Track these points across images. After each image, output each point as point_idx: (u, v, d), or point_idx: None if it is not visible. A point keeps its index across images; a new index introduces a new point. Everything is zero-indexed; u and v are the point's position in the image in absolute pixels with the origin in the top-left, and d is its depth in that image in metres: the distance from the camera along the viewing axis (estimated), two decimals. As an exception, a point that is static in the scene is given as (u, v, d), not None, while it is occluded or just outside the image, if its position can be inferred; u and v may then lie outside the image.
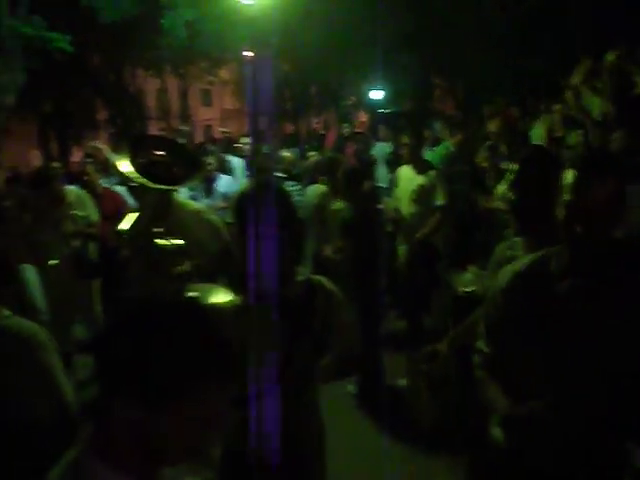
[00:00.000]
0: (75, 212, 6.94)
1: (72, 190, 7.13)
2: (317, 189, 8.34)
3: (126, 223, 6.65)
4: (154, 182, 4.64)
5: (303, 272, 2.92)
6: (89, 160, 9.73)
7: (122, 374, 1.39)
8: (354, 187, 7.14)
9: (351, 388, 6.89)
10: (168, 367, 1.36)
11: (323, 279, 2.95)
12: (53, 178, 6.99)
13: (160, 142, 5.37)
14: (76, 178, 8.18)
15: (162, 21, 14.19)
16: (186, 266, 3.76)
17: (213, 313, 1.50)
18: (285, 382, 2.70)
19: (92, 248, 7.15)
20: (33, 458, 2.91)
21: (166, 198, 4.87)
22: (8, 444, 2.91)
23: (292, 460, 2.80)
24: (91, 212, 7.08)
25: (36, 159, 26.12)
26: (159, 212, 4.70)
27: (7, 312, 3.11)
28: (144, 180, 4.69)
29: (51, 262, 6.91)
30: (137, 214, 6.56)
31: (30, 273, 7.90)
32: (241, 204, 2.81)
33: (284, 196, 2.88)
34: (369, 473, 5.31)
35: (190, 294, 3.48)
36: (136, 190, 6.42)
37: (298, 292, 2.79)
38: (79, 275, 6.99)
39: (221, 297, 3.30)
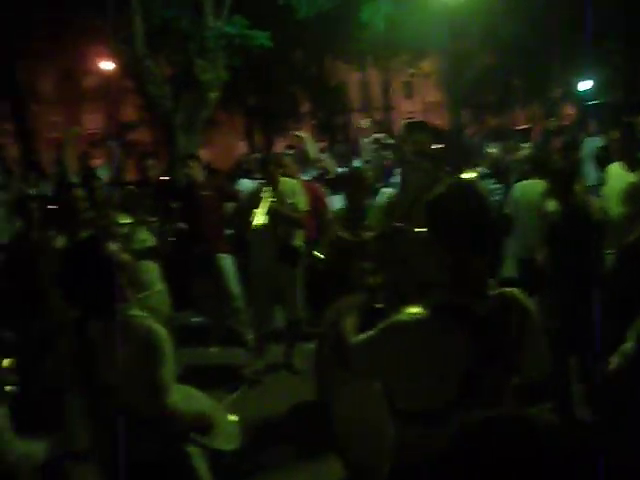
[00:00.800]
0: (283, 199, 7.17)
1: (285, 179, 7.33)
2: (530, 186, 7.86)
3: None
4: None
5: (493, 285, 2.66)
6: (290, 152, 9.99)
7: None
8: (565, 187, 6.79)
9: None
10: None
11: (518, 292, 2.65)
12: (269, 163, 7.39)
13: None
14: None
15: (361, 15, 14.24)
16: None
17: None
18: (470, 407, 2.47)
19: (298, 235, 7.34)
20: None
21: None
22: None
23: None
24: (299, 200, 7.25)
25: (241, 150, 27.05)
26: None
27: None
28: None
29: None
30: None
31: (226, 261, 8.27)
32: (434, 208, 2.62)
33: (478, 198, 2.60)
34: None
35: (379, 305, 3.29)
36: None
37: (490, 307, 2.52)
38: (282, 260, 7.21)
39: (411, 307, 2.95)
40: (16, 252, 7.21)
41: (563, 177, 6.98)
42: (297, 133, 10.30)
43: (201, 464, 3.37)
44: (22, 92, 20.88)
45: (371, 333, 2.62)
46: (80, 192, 5.80)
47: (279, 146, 29.26)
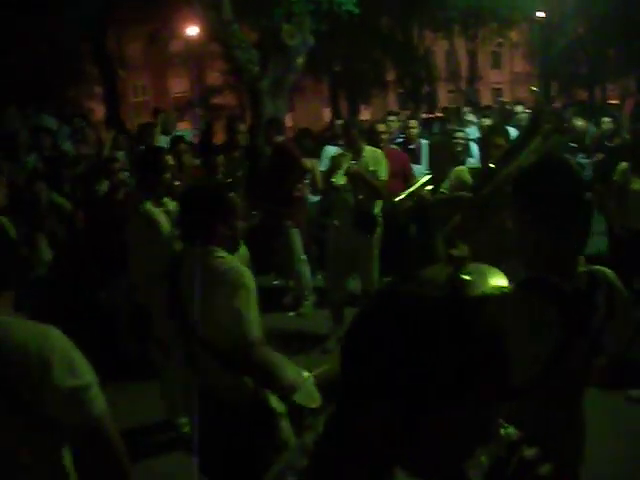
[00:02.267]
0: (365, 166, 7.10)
1: (368, 147, 7.27)
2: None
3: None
4: None
5: (582, 262, 2.55)
6: (391, 118, 9.91)
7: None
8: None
9: (635, 394, 5.92)
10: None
11: (607, 271, 2.59)
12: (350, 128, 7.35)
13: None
14: (366, 135, 8.36)
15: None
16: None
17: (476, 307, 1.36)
18: (554, 386, 2.47)
19: (376, 204, 7.24)
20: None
21: None
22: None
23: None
24: (381, 169, 7.16)
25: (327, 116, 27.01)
26: None
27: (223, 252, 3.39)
28: None
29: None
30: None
31: (292, 230, 8.36)
32: (526, 181, 2.54)
33: (572, 173, 2.51)
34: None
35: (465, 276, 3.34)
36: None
37: (578, 285, 2.45)
38: (359, 227, 7.15)
39: (495, 281, 3.09)
40: (102, 212, 7.33)
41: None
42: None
43: (281, 408, 3.39)
44: (110, 57, 21.21)
45: None
46: (169, 159, 5.81)
47: (364, 113, 29.22)
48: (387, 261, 7.63)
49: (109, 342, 6.83)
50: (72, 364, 2.16)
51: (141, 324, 5.45)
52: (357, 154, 7.12)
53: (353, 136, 7.23)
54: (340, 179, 6.93)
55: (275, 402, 3.38)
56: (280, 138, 8.77)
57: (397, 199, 7.40)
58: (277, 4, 11.61)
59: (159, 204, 5.49)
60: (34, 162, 9.30)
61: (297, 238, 8.49)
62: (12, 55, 17.82)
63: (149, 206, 5.43)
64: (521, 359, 2.37)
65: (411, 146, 9.29)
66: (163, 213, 5.45)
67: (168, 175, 5.62)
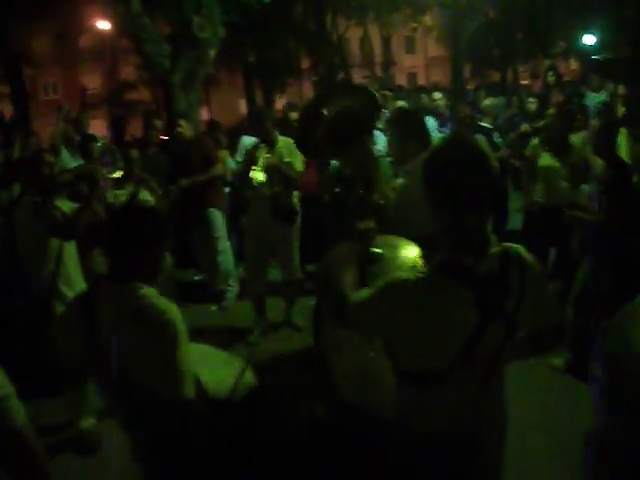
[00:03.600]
0: (280, 157, 7.09)
1: (282, 138, 7.23)
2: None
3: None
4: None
5: (495, 241, 2.50)
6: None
7: None
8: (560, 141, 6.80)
9: (558, 362, 6.08)
10: None
11: (519, 248, 2.58)
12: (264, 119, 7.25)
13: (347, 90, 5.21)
14: (279, 125, 8.30)
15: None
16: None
17: None
18: (471, 367, 2.47)
19: (294, 194, 7.26)
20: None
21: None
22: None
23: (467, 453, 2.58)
24: (296, 160, 7.14)
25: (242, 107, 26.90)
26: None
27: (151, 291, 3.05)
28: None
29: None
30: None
31: (214, 215, 8.27)
32: (432, 163, 2.48)
33: (476, 150, 2.45)
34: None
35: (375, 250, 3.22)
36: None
37: (491, 266, 2.43)
38: (278, 218, 7.13)
39: (407, 253, 3.04)
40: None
41: (556, 131, 7.02)
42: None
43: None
44: (15, 55, 20.57)
45: (372, 291, 2.52)
46: (50, 157, 5.82)
47: (280, 102, 29.13)
48: (305, 248, 7.64)
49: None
50: None
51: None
52: (271, 145, 7.10)
53: (266, 127, 7.16)
54: (258, 175, 6.92)
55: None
56: (189, 132, 8.62)
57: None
58: (186, -5, 11.44)
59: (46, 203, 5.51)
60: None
61: (220, 222, 8.40)
62: None
63: (27, 199, 5.56)
64: (437, 343, 2.40)
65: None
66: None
67: (47, 171, 5.62)
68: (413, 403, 2.60)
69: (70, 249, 5.68)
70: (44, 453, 2.30)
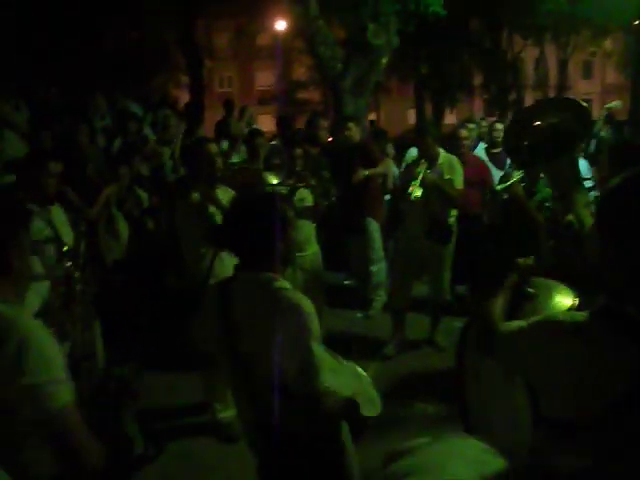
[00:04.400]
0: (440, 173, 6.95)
1: (444, 154, 7.11)
2: None
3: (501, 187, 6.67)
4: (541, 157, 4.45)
5: None
6: (470, 125, 9.71)
7: None
8: None
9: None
10: None
11: None
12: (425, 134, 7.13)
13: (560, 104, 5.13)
14: (447, 141, 8.21)
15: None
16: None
17: None
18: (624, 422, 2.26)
19: (452, 212, 7.09)
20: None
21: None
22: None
23: None
24: (457, 177, 6.99)
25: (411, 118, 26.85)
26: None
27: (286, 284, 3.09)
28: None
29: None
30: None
31: (372, 225, 8.28)
32: (610, 202, 2.29)
33: None
34: None
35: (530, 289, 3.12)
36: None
37: None
38: (432, 237, 7.00)
39: (561, 299, 2.92)
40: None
41: None
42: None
43: (347, 435, 3.26)
44: (197, 47, 21.49)
45: (523, 324, 2.41)
46: (214, 147, 5.88)
47: (449, 117, 28.94)
48: (458, 268, 7.52)
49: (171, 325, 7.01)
50: (44, 359, 2.31)
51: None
52: (432, 161, 6.95)
53: (427, 142, 7.04)
54: (417, 191, 6.74)
55: (345, 435, 3.22)
56: (358, 136, 8.66)
57: (497, 188, 7.16)
58: (364, 2, 11.57)
59: (208, 194, 5.57)
60: (119, 146, 9.45)
61: (377, 233, 8.40)
62: (105, 42, 18.24)
63: (195, 196, 5.56)
64: (584, 392, 2.20)
65: (495, 150, 9.01)
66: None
67: (216, 165, 5.69)
68: (553, 445, 2.41)
69: None
70: (89, 441, 2.39)
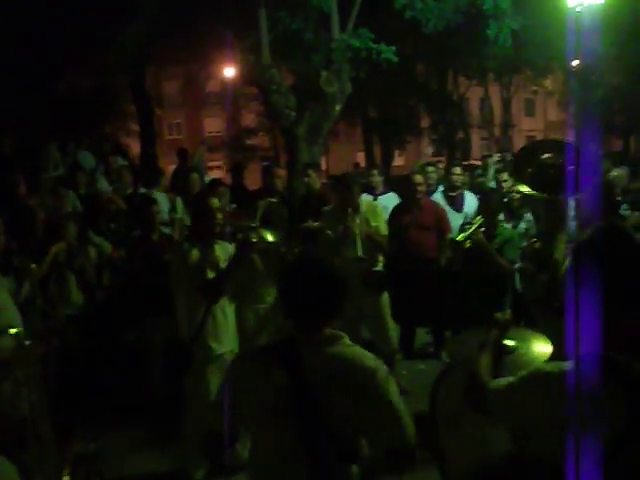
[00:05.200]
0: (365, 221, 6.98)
1: (365, 201, 7.27)
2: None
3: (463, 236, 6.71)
4: (545, 189, 4.51)
5: None
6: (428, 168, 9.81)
7: None
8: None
9: None
10: None
11: None
12: (352, 184, 7.12)
13: (549, 145, 5.24)
14: (397, 184, 8.28)
15: (488, 31, 13.95)
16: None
17: None
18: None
19: (380, 259, 7.09)
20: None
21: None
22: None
23: None
24: (381, 224, 7.09)
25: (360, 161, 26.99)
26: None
27: (348, 340, 3.08)
28: (535, 193, 4.66)
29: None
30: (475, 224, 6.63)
31: None
32: (581, 254, 2.42)
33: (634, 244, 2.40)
34: None
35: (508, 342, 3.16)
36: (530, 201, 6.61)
37: None
38: (366, 285, 6.93)
39: (540, 348, 2.99)
40: (136, 253, 7.32)
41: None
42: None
43: None
44: (147, 95, 21.48)
45: (513, 381, 2.50)
46: (216, 202, 5.77)
47: (398, 159, 29.24)
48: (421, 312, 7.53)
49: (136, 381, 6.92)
50: None
51: (179, 361, 5.50)
52: (355, 210, 6.95)
53: (354, 192, 7.05)
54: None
55: None
56: (317, 183, 8.74)
57: (458, 238, 7.02)
58: (316, 50, 11.71)
59: (207, 251, 5.52)
60: (73, 200, 9.36)
61: None
62: (58, 89, 18.11)
63: (185, 246, 5.56)
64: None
65: (453, 193, 9.13)
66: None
67: (218, 219, 5.63)
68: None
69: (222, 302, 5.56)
70: None
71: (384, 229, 7.10)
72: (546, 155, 4.85)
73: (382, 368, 2.98)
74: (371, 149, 28.51)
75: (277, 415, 2.93)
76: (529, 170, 4.83)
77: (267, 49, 11.66)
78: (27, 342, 4.05)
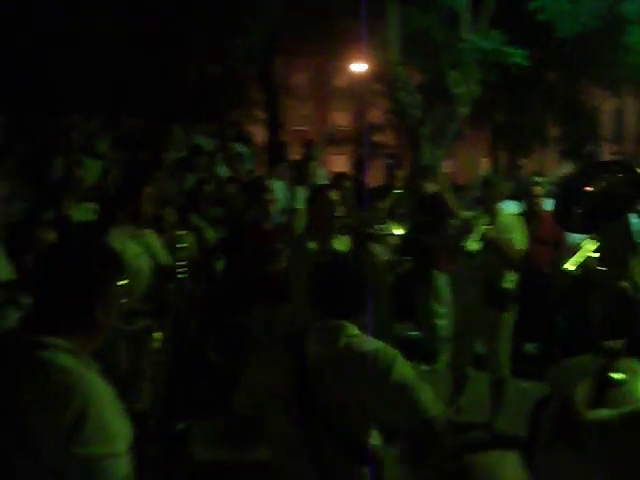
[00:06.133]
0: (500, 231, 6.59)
1: (506, 213, 6.89)
2: None
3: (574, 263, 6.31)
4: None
5: None
6: (538, 179, 9.52)
7: None
8: None
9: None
10: None
11: None
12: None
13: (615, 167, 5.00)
14: (522, 194, 8.03)
15: (627, 37, 13.37)
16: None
17: None
18: None
19: (509, 276, 6.69)
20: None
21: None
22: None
23: None
24: (518, 236, 6.62)
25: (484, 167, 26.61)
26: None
27: (356, 331, 3.18)
28: None
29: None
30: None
31: (441, 278, 8.15)
32: None
33: None
34: None
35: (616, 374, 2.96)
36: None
37: None
38: (488, 302, 6.60)
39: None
40: (248, 239, 7.33)
41: None
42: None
43: None
44: (275, 85, 21.73)
45: (614, 415, 2.33)
46: (336, 195, 5.74)
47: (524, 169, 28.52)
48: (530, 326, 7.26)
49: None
50: (104, 430, 2.18)
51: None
52: (492, 216, 6.61)
53: (491, 195, 6.74)
54: (473, 245, 6.38)
55: None
56: (432, 187, 8.59)
57: (565, 267, 6.74)
58: (444, 50, 11.54)
59: (325, 244, 5.47)
60: (192, 183, 9.52)
61: (445, 286, 8.24)
62: (187, 76, 18.58)
63: (313, 246, 5.49)
64: None
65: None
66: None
67: (338, 212, 5.60)
68: None
69: None
70: None
71: (521, 244, 6.64)
72: (588, 188, 4.56)
73: (386, 350, 3.07)
74: (496, 155, 27.92)
75: (283, 401, 3.07)
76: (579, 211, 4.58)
77: (396, 46, 11.57)
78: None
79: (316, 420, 2.97)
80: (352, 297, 3.20)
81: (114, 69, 15.38)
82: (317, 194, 5.91)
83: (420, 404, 2.95)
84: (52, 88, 13.74)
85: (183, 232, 6.44)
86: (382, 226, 7.12)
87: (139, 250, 5.33)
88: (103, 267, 2.39)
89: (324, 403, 2.97)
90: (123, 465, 2.20)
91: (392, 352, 3.09)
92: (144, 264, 5.30)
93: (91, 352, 2.36)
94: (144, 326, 5.03)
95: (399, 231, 6.93)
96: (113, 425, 2.21)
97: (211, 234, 8.01)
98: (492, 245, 6.42)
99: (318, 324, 3.17)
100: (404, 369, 3.04)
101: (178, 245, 6.10)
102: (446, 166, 14.68)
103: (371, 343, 3.12)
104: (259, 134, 22.21)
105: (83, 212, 7.64)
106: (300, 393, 3.02)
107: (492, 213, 6.64)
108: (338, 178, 8.51)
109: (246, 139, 15.14)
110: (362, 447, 3.00)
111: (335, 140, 28.38)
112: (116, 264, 2.47)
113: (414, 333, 9.26)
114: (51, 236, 5.29)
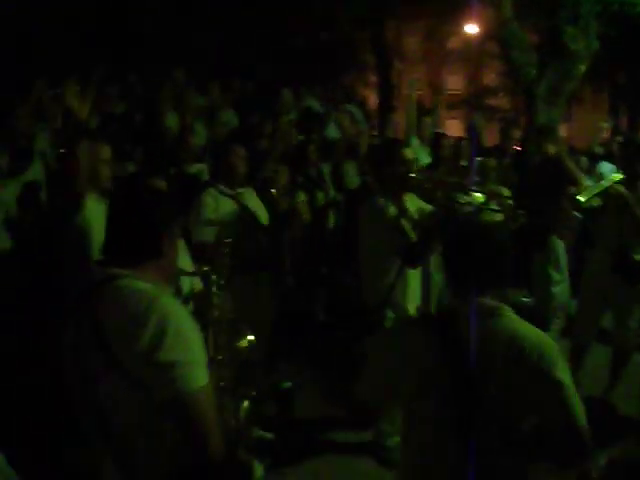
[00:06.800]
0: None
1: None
2: None
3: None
4: None
5: None
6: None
7: None
8: None
9: None
10: None
11: None
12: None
13: None
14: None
15: None
16: None
17: None
18: None
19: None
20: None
21: None
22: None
23: None
24: None
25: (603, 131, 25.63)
26: None
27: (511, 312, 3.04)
28: None
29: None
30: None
31: (559, 245, 7.90)
32: None
33: None
34: None
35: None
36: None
37: None
38: (616, 272, 6.23)
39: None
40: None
41: None
42: None
43: None
44: (387, 48, 21.52)
45: None
46: (410, 153, 5.60)
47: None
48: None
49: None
50: (183, 338, 2.34)
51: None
52: (633, 180, 6.19)
53: (631, 157, 6.30)
54: (584, 196, 6.08)
55: None
56: (553, 149, 8.24)
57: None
58: (562, 5, 11.04)
59: (395, 199, 5.35)
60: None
61: (562, 252, 8.00)
62: (297, 41, 18.64)
63: (380, 201, 5.35)
64: None
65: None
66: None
67: (403, 169, 5.39)
68: None
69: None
70: (217, 428, 2.38)
71: None
72: None
73: (549, 343, 2.86)
74: (617, 118, 26.82)
75: (434, 386, 2.89)
76: None
77: (508, 2, 11.18)
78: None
79: (475, 406, 2.81)
80: (501, 268, 3.03)
81: (227, 34, 15.60)
82: (388, 149, 5.72)
83: (573, 409, 2.79)
84: (167, 53, 14.01)
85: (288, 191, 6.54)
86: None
87: (232, 207, 5.62)
88: (165, 208, 2.69)
89: (481, 395, 2.81)
90: (202, 374, 2.36)
91: (554, 345, 2.90)
92: (236, 220, 5.56)
93: (163, 280, 2.62)
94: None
95: (507, 193, 6.68)
96: (192, 337, 2.39)
97: (321, 195, 8.06)
98: (618, 201, 6.10)
99: (469, 304, 2.91)
100: (566, 368, 2.87)
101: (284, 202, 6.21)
102: (565, 129, 14.21)
103: (532, 329, 2.96)
104: (372, 98, 22.11)
105: (195, 172, 7.81)
106: (459, 379, 2.82)
107: (633, 176, 6.24)
108: (437, 137, 8.41)
109: (358, 101, 15.08)
110: (521, 436, 2.86)
111: (449, 105, 27.86)
112: (175, 207, 2.78)
113: (527, 299, 9.01)
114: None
